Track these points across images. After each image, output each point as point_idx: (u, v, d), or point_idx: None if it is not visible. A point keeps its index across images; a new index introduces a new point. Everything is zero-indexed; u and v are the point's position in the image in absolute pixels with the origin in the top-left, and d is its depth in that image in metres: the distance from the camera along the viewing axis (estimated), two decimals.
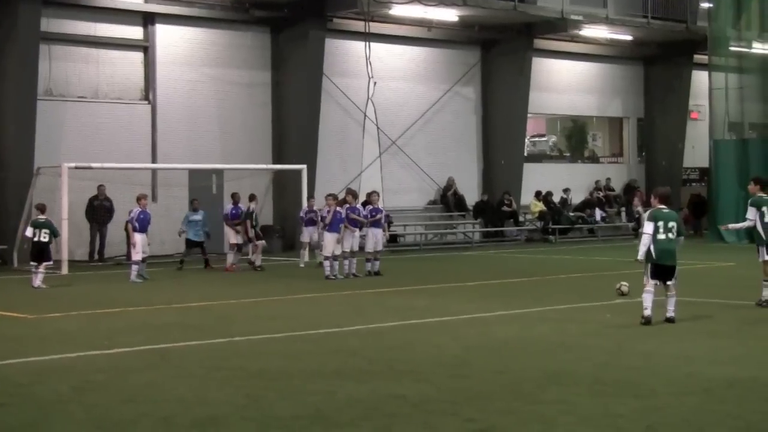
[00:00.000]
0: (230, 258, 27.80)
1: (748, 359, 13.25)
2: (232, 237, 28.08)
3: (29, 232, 23.58)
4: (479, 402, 10.83)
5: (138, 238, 24.72)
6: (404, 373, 12.31)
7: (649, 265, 16.10)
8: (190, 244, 28.23)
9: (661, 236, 15.97)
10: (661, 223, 15.98)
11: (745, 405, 10.60)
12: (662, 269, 16.05)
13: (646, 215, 16.62)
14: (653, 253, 16.02)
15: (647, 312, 15.96)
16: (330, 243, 24.86)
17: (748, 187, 19.15)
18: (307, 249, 28.79)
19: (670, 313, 16.03)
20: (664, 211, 16.25)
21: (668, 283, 16.11)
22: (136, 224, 24.83)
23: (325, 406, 10.62)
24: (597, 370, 12.43)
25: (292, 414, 10.31)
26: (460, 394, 11.22)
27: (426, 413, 10.32)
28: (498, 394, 11.19)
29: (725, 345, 14.45)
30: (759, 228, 18.19)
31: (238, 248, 28.09)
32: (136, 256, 24.73)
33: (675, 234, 16.06)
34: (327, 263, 24.88)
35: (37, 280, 23.15)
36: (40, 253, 23.23)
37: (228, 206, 28.66)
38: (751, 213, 18.37)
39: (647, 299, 16.01)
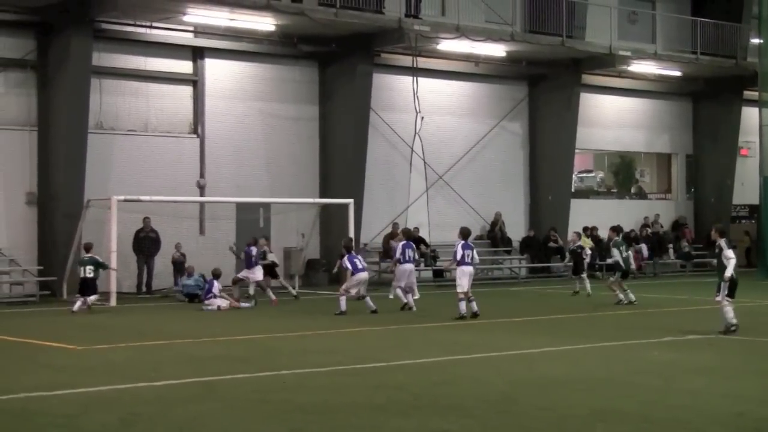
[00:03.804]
0: (235, 293, 27.69)
1: None
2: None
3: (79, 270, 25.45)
4: None
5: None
6: (450, 409, 12.25)
7: (728, 284, 19.34)
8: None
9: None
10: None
11: None
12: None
13: (723, 243, 19.67)
14: (734, 275, 19.35)
15: (736, 320, 19.56)
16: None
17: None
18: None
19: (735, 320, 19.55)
20: None
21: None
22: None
23: None
24: (644, 408, 12.30)
25: None
26: (506, 430, 11.15)
27: None
28: (544, 431, 11.09)
29: None
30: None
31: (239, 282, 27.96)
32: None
33: None
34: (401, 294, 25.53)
35: (75, 306, 24.60)
36: (86, 287, 24.96)
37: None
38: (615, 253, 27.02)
39: (731, 312, 19.52)
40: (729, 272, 19.23)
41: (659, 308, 26.35)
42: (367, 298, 24.69)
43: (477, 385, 14.02)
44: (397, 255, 25.80)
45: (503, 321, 23.16)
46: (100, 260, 25.51)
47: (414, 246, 26.83)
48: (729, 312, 19.49)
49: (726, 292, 19.40)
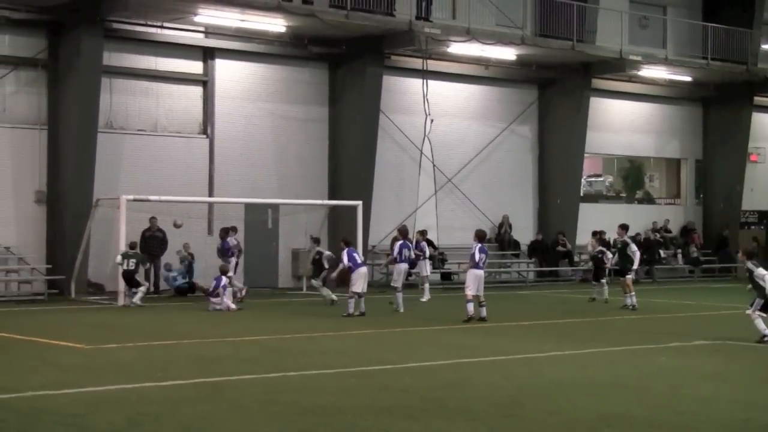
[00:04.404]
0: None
1: None
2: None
3: (118, 259, 27.07)
4: None
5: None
6: (457, 412, 12.26)
7: (764, 301, 18.86)
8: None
9: None
10: None
11: None
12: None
13: (751, 265, 19.24)
14: None
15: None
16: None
17: None
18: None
19: None
20: None
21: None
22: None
23: None
24: (652, 413, 12.30)
25: None
26: None
27: None
28: None
29: None
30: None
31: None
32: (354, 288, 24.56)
33: None
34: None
35: (135, 299, 26.56)
36: (130, 279, 26.86)
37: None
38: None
39: (762, 323, 19.18)
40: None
41: (667, 313, 26.32)
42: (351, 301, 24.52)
43: (484, 389, 14.02)
44: (395, 254, 26.11)
45: (511, 325, 23.14)
46: (141, 255, 27.96)
47: (410, 245, 27.18)
48: (760, 323, 19.37)
49: (759, 308, 19.18)
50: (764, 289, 18.88)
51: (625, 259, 27.65)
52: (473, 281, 23.07)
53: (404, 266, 26.21)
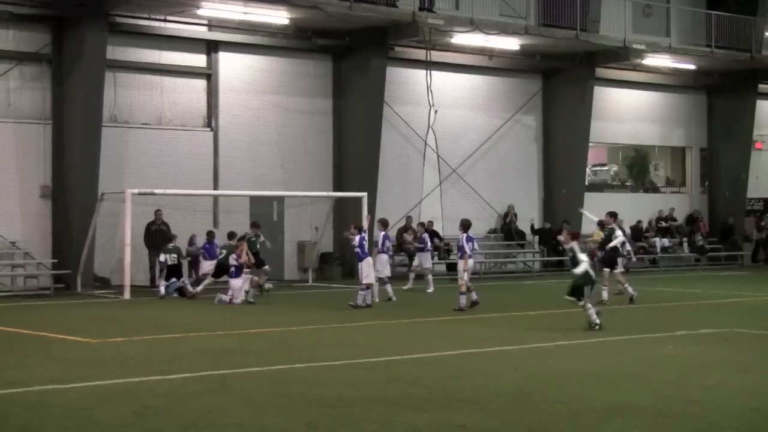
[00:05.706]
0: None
1: None
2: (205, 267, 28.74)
3: (162, 258, 27.99)
4: None
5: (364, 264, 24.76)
6: (465, 403, 12.25)
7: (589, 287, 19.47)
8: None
9: None
10: None
11: None
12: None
13: (575, 246, 19.66)
14: (592, 276, 19.72)
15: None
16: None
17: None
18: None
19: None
20: None
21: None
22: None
23: None
24: (659, 402, 12.29)
25: None
26: (520, 424, 11.14)
27: None
28: (559, 425, 11.08)
29: None
30: None
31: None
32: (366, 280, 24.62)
33: None
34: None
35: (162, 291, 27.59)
36: (172, 272, 27.94)
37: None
38: None
39: (594, 314, 19.46)
40: (580, 269, 19.39)
41: (673, 302, 26.28)
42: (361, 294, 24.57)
43: (491, 379, 14.02)
44: (379, 245, 26.71)
45: (517, 315, 23.15)
46: (181, 250, 28.76)
47: (390, 236, 28.40)
48: (592, 314, 19.51)
49: (584, 295, 19.45)
50: (584, 271, 19.37)
51: (612, 249, 25.95)
52: (467, 271, 23.48)
53: (385, 257, 26.75)
